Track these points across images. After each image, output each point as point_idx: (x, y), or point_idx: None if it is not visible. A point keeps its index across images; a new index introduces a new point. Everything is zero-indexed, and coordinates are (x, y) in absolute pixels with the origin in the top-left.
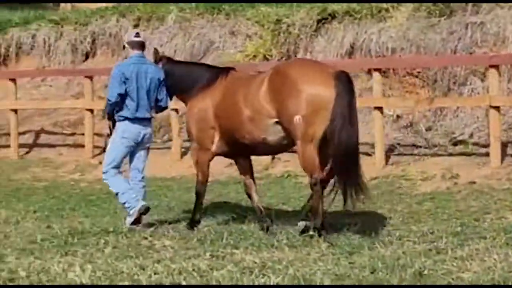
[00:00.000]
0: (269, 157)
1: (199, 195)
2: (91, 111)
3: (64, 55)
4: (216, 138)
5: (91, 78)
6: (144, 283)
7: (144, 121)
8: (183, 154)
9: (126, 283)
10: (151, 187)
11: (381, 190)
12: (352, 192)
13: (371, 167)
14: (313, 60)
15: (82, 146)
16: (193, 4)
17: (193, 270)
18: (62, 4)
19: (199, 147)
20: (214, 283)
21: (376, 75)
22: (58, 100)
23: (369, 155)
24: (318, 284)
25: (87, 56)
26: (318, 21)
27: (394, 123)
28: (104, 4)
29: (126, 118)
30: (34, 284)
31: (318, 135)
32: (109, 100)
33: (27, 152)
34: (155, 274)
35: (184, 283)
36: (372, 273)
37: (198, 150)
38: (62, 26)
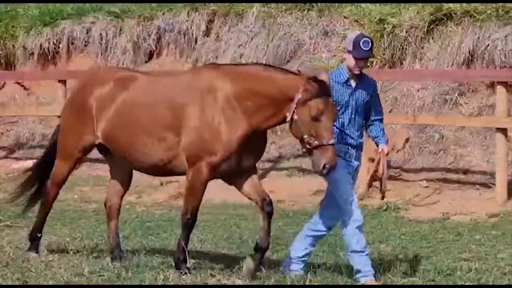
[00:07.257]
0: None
1: None
2: None
3: (124, 54)
4: None
5: None
6: None
7: None
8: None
9: None
10: None
11: (501, 231)
12: None
13: (490, 202)
14: None
15: None
16: None
17: None
18: None
19: None
20: None
21: (500, 89)
22: None
23: (489, 187)
24: None
25: (151, 56)
26: (431, 23)
27: None
28: None
29: None
30: None
31: None
32: None
33: (75, 168)
34: None
35: None
36: None
37: None
38: (122, 20)
